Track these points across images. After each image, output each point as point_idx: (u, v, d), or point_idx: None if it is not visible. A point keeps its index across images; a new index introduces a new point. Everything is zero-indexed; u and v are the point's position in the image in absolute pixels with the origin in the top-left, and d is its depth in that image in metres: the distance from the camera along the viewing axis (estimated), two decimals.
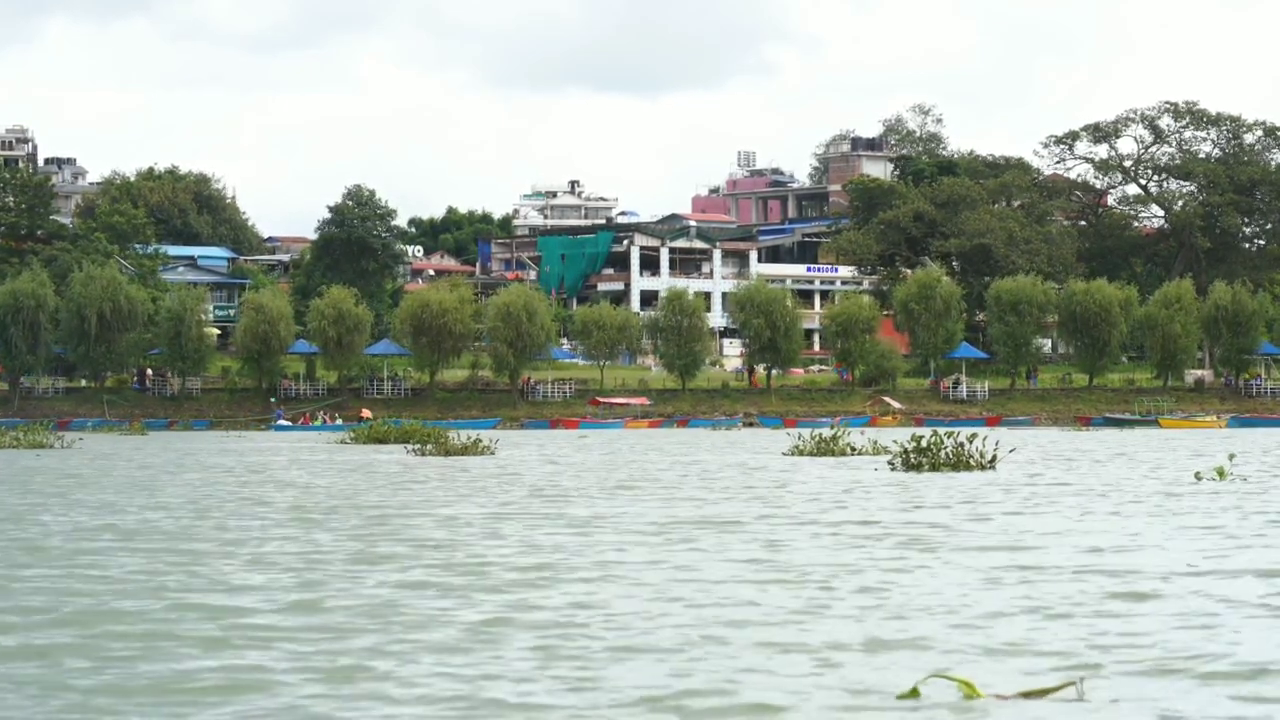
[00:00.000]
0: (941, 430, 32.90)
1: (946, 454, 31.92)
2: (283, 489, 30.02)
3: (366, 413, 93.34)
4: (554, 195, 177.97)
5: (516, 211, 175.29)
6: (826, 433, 41.41)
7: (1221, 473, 29.19)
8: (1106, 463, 39.69)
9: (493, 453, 43.81)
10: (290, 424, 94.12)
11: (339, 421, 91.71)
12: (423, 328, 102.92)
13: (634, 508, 23.94)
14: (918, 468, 31.76)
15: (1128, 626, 11.61)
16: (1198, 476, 29.76)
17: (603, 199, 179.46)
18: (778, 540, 18.23)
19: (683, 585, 14.09)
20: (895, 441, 34.84)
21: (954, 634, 11.30)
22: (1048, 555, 16.27)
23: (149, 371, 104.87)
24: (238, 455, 49.49)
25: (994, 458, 32.41)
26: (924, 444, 32.14)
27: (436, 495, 27.70)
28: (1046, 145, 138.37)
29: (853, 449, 39.71)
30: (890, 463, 32.82)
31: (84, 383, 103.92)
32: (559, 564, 16.06)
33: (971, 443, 32.31)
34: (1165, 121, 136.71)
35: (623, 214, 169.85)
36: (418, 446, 44.24)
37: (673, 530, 19.73)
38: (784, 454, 42.19)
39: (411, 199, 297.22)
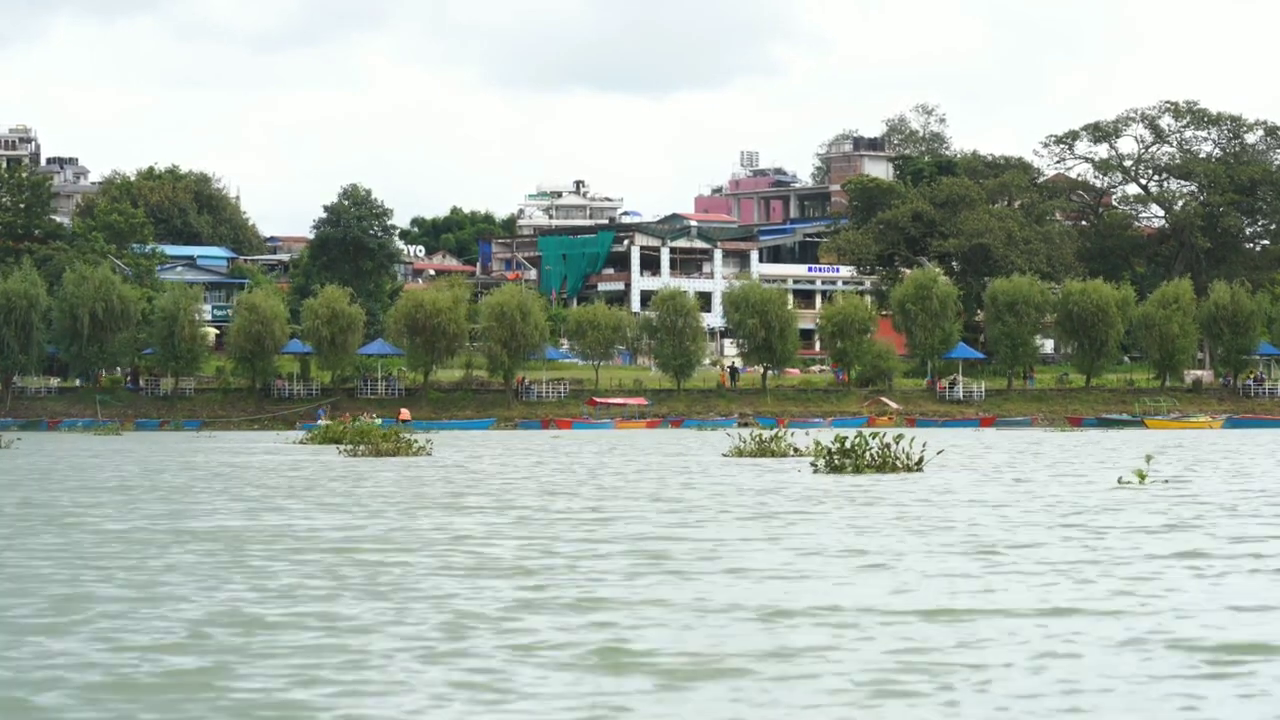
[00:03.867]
0: (867, 431, 32.43)
1: (871, 456, 31.48)
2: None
3: (405, 414, 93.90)
4: (559, 195, 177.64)
5: (522, 211, 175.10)
6: (767, 433, 41.06)
7: (1141, 475, 28.72)
8: (1042, 465, 39.27)
9: (429, 453, 43.47)
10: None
11: (377, 421, 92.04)
12: (417, 327, 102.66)
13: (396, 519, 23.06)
14: (841, 469, 31.34)
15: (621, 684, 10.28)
16: (1120, 481, 29.28)
17: (608, 199, 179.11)
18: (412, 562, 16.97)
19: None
20: (820, 442, 34.40)
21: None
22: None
23: (150, 370, 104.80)
24: (141, 457, 49.02)
25: (920, 460, 31.97)
26: (848, 445, 31.68)
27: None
28: (1046, 145, 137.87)
29: (796, 450, 39.28)
30: (814, 464, 32.41)
31: (77, 382, 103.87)
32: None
33: (898, 444, 31.87)
34: (1166, 121, 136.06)
35: (626, 214, 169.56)
36: (349, 446, 43.88)
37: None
38: (724, 455, 41.85)
39: (417, 198, 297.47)
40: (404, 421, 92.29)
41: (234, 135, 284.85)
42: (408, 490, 29.74)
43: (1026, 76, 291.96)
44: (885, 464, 31.50)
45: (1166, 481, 29.09)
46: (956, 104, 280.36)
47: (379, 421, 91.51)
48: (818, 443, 34.41)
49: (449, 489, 30.20)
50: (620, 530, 20.72)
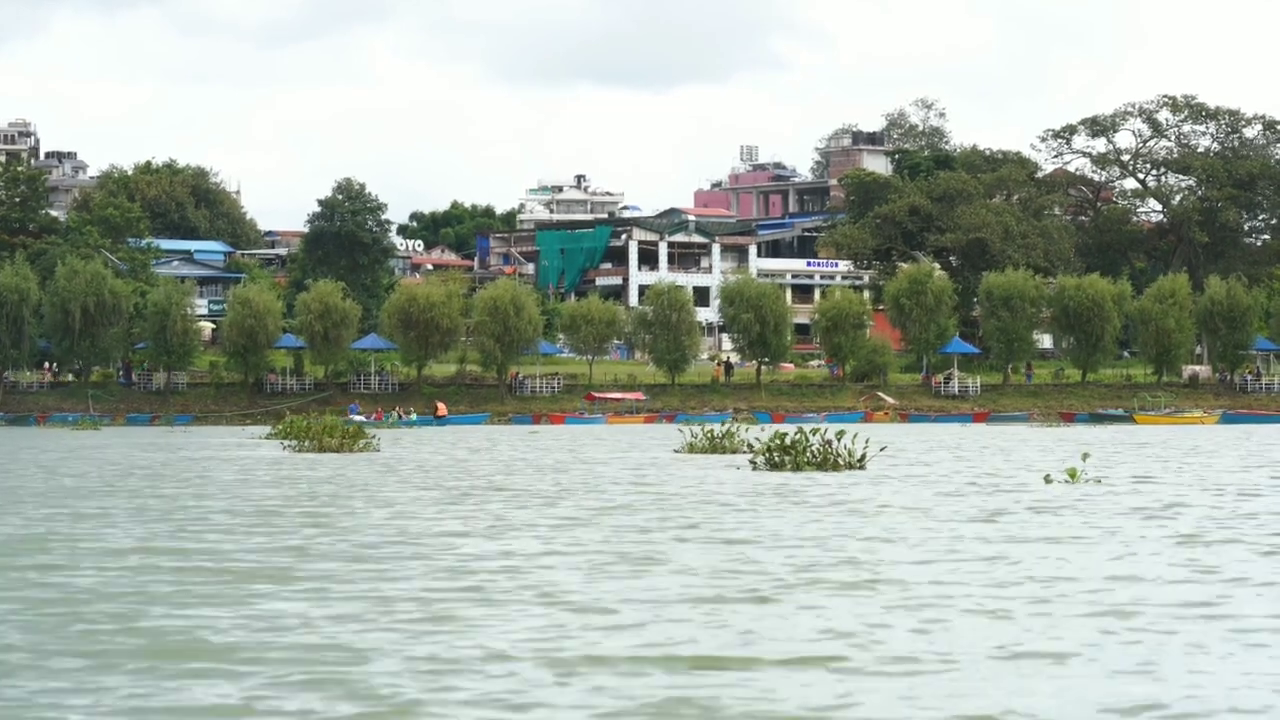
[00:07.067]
0: (808, 427, 32.16)
1: (812, 453, 31.22)
2: None
3: (442, 409, 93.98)
4: (560, 190, 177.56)
5: (522, 206, 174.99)
6: (719, 429, 40.82)
7: (1073, 474, 28.33)
8: (998, 461, 39.01)
9: (377, 449, 43.25)
10: (364, 419, 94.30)
11: (413, 416, 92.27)
12: (410, 322, 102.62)
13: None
14: (780, 466, 31.09)
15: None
16: (1047, 480, 28.69)
17: (609, 194, 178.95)
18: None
19: None
20: (760, 440, 34.12)
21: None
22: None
23: (142, 365, 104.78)
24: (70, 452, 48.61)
25: (863, 457, 31.71)
26: (788, 441, 31.43)
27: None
28: (1044, 139, 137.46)
29: (750, 446, 38.97)
30: (752, 461, 32.19)
31: (70, 377, 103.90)
32: None
33: (840, 440, 31.59)
34: (1164, 115, 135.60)
35: (626, 208, 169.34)
36: (294, 443, 43.61)
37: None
38: (675, 451, 41.62)
39: (421, 193, 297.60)
40: (440, 417, 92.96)
41: (239, 130, 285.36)
42: (236, 490, 28.65)
43: (1033, 72, 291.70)
44: (826, 461, 31.22)
45: (1099, 481, 28.59)
46: (963, 100, 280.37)
47: (414, 416, 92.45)
48: (770, 439, 34.12)
49: (298, 488, 28.84)
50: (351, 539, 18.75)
